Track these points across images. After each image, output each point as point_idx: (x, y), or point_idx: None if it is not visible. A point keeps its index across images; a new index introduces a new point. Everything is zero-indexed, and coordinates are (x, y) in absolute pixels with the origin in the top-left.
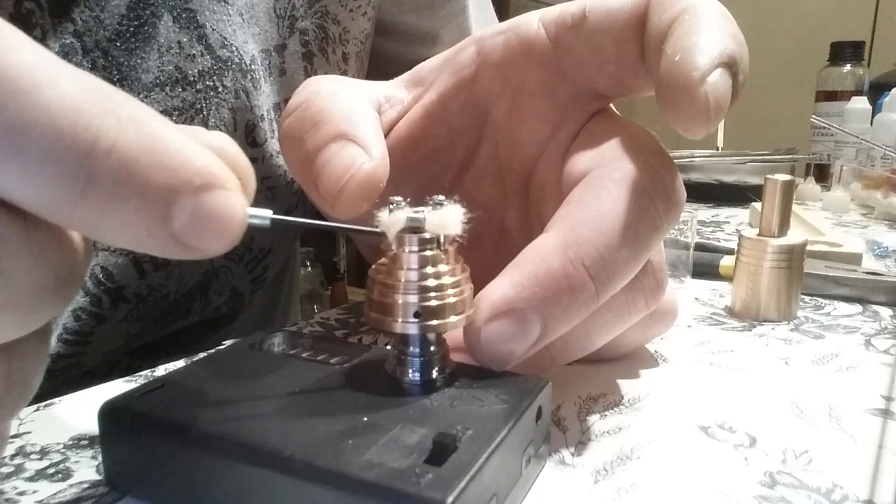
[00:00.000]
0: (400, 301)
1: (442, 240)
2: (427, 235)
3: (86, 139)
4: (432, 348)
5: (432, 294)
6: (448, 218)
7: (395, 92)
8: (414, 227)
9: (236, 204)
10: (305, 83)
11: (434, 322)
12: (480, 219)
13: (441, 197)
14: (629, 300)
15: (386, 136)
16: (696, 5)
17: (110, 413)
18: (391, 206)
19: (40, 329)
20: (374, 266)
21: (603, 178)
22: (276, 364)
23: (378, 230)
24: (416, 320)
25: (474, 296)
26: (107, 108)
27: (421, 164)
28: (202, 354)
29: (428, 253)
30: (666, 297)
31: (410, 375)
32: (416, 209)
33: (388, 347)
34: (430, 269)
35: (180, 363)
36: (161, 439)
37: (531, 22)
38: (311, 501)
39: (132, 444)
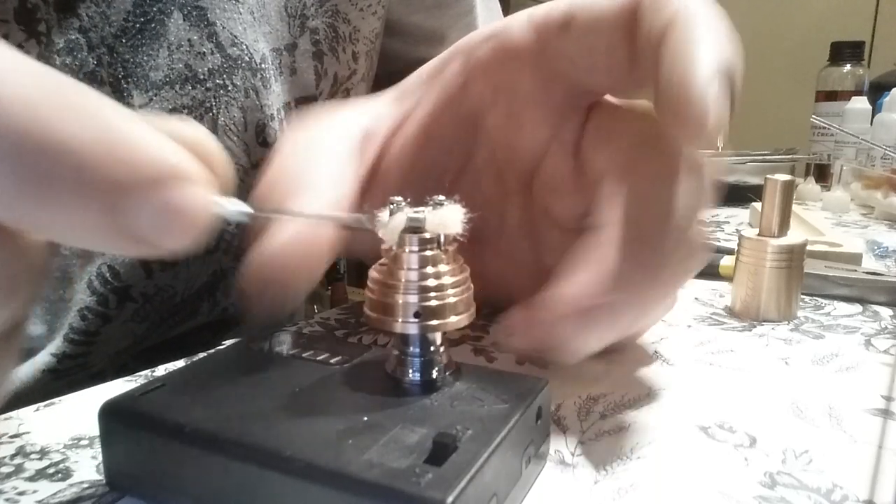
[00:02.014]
0: (400, 301)
1: (442, 240)
2: (427, 235)
3: (38, 135)
4: (432, 348)
5: (432, 294)
6: (448, 217)
7: (384, 109)
8: (414, 227)
9: (201, 197)
10: (281, 142)
11: (434, 322)
12: (480, 218)
13: (441, 197)
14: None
15: (380, 156)
16: (687, 5)
17: (110, 412)
18: (391, 207)
19: (7, 330)
20: (374, 266)
21: (635, 172)
22: (277, 364)
23: (362, 226)
24: (417, 320)
25: (474, 297)
26: (61, 103)
27: (417, 180)
28: (202, 354)
29: (428, 253)
30: None
31: (410, 375)
32: (415, 209)
33: (389, 347)
34: (430, 269)
35: (180, 363)
36: (161, 439)
37: (517, 26)
38: (311, 501)
39: (132, 443)
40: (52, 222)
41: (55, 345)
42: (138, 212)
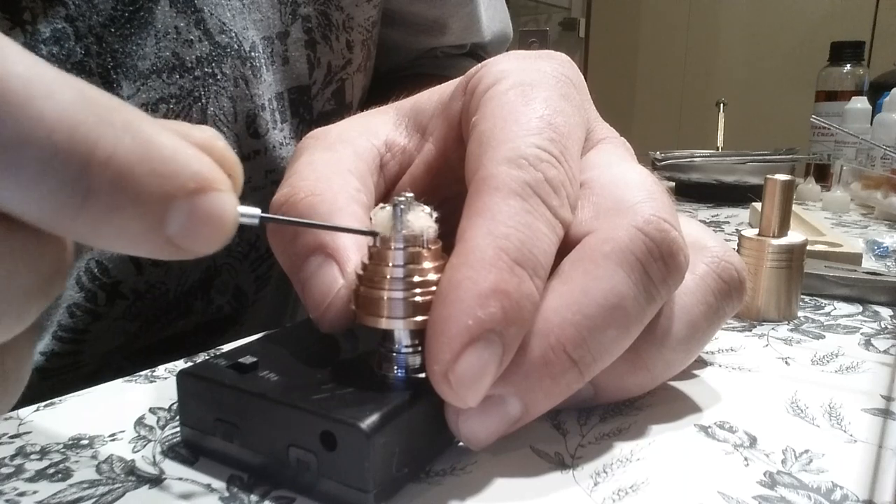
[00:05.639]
0: (385, 297)
1: (426, 237)
2: (413, 233)
3: (83, 152)
4: (417, 344)
5: (417, 291)
6: (422, 218)
7: (396, 138)
8: (400, 224)
9: (228, 204)
10: (295, 153)
11: (419, 318)
12: None
13: (409, 194)
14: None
15: (390, 190)
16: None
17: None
18: (396, 201)
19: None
20: (360, 262)
21: (593, 253)
22: (330, 339)
23: (371, 231)
24: (402, 317)
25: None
26: (102, 118)
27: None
28: (202, 354)
29: (412, 250)
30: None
31: (395, 371)
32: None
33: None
34: (414, 266)
35: (180, 363)
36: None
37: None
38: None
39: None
40: (95, 232)
41: (44, 343)
42: (176, 221)
